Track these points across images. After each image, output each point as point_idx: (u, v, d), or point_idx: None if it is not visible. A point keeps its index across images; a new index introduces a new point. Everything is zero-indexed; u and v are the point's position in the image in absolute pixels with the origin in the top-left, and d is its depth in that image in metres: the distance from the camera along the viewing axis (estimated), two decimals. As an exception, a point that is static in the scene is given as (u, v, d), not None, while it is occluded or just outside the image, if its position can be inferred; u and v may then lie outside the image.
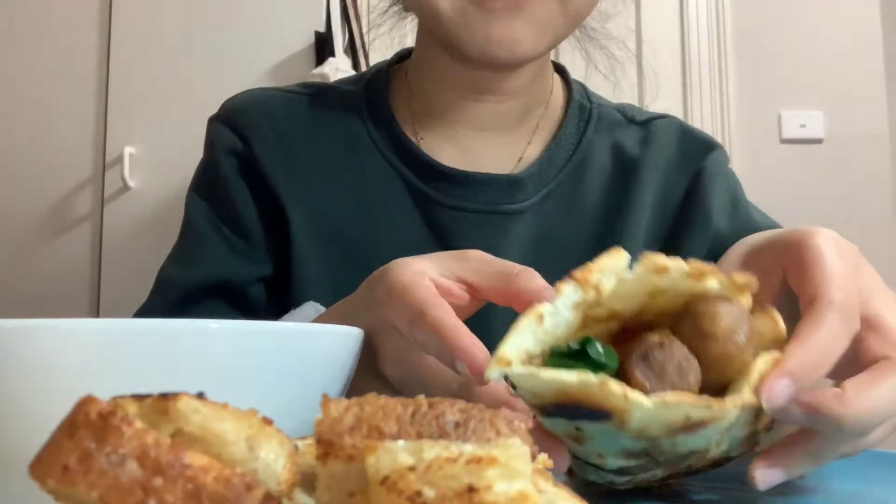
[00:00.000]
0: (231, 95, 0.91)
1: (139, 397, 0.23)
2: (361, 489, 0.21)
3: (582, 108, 0.91)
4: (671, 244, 0.85)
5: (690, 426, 0.35)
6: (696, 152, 0.90)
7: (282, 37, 2.18)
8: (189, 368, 0.36)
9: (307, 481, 0.25)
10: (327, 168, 0.85)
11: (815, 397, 0.39)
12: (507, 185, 0.84)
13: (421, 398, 0.24)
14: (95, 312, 2.19)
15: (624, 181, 0.87)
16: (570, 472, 0.44)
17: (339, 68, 1.93)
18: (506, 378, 0.37)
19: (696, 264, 0.39)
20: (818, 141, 3.02)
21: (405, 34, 0.97)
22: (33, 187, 2.26)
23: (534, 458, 0.24)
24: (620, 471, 0.39)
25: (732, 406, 0.35)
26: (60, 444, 0.21)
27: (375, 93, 0.90)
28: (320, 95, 0.90)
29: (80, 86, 2.27)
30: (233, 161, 0.85)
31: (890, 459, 0.54)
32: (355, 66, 2.17)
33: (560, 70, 0.95)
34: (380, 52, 0.98)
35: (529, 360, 0.37)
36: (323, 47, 2.11)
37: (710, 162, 0.90)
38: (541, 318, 0.37)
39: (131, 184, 2.21)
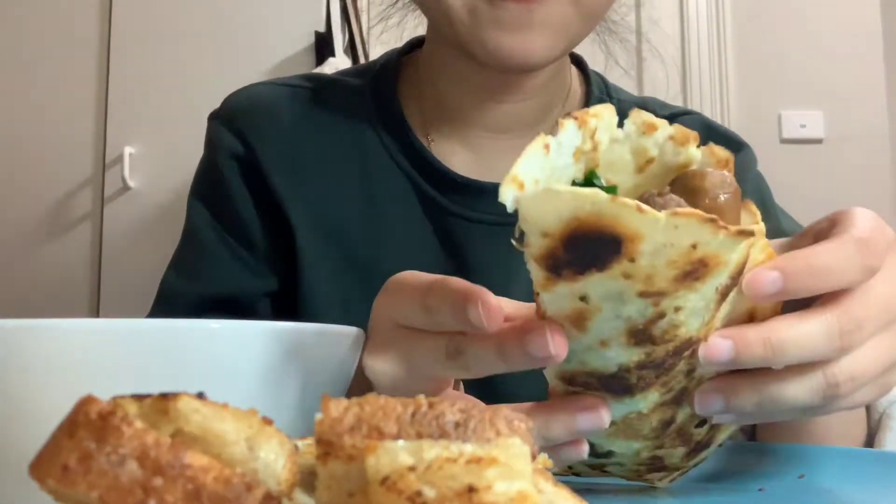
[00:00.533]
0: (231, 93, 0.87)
1: (139, 397, 0.23)
2: (361, 489, 0.21)
3: (601, 103, 0.87)
4: None
5: (694, 267, 0.34)
6: None
7: (282, 37, 2.18)
8: (189, 368, 0.36)
9: (307, 481, 0.25)
10: (332, 170, 0.82)
11: (736, 333, 0.38)
12: None
13: (421, 398, 0.24)
14: (95, 312, 2.20)
15: None
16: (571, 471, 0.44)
17: (339, 68, 1.93)
18: (517, 238, 0.36)
19: (681, 128, 0.41)
20: (818, 141, 3.02)
21: (416, 25, 0.92)
22: (33, 187, 2.26)
23: (534, 457, 0.24)
24: (618, 379, 0.39)
25: (735, 233, 0.34)
26: (60, 444, 0.21)
27: (383, 89, 0.85)
28: (325, 90, 0.86)
29: (80, 86, 2.27)
30: (234, 165, 0.81)
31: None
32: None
33: (577, 62, 0.90)
34: (388, 45, 0.93)
35: None
36: (323, 47, 2.11)
37: (737, 162, 0.87)
38: (547, 148, 0.37)
39: (131, 184, 2.21)
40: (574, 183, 0.38)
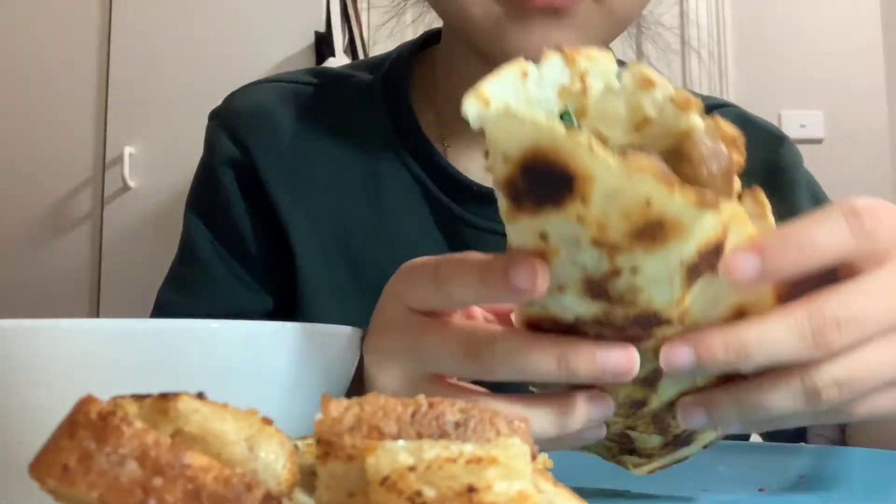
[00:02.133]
0: (233, 91, 0.84)
1: (139, 397, 0.23)
2: (361, 489, 0.21)
3: None
4: None
5: (650, 226, 0.32)
6: (763, 145, 0.81)
7: (282, 37, 2.18)
8: (189, 368, 0.36)
9: (307, 481, 0.25)
10: (337, 177, 0.77)
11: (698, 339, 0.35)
12: None
13: (421, 398, 0.24)
14: (95, 312, 2.20)
15: None
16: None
17: (339, 68, 1.93)
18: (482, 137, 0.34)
19: (683, 92, 0.37)
20: (818, 141, 3.02)
21: (431, 22, 0.87)
22: (33, 187, 2.26)
23: (534, 457, 0.24)
24: (576, 331, 0.37)
25: (693, 199, 0.32)
26: (60, 444, 0.21)
27: (395, 87, 0.79)
28: (331, 86, 0.82)
29: (80, 86, 2.27)
30: (231, 173, 0.78)
31: None
32: (355, 66, 2.17)
33: None
34: (401, 41, 0.87)
35: None
36: (323, 47, 2.12)
37: (783, 160, 0.82)
38: (524, 75, 0.35)
39: (131, 184, 2.21)
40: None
